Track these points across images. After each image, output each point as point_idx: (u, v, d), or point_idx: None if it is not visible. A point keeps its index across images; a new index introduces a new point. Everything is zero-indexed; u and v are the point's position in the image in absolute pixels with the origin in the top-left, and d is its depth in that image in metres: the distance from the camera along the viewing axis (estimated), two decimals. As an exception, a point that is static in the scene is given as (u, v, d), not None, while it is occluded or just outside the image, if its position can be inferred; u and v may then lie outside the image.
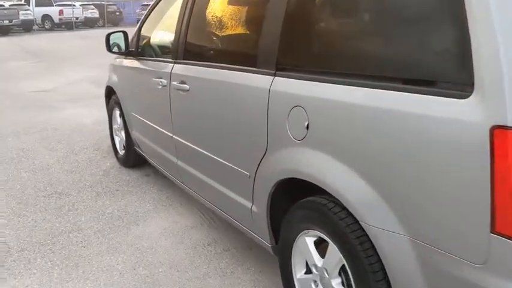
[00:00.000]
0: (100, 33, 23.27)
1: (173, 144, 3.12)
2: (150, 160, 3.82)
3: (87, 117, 6.35)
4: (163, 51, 3.51)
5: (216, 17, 2.85)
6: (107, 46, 3.78)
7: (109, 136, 4.73)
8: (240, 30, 2.66)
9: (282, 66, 2.07)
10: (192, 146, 2.83)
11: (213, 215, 3.36)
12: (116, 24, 31.03)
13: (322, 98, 1.81)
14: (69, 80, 9.51)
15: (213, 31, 2.91)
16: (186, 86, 2.78)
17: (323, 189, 1.82)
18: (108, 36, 3.77)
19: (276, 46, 2.09)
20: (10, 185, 4.00)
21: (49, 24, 27.03)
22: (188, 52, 2.94)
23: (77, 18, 27.69)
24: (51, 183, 4.04)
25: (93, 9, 29.35)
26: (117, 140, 4.53)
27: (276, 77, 2.09)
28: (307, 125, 1.87)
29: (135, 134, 3.95)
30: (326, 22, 1.96)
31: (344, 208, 1.77)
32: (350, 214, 1.74)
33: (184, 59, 2.93)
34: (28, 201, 3.66)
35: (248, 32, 2.57)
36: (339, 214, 1.81)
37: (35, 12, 26.01)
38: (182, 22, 2.97)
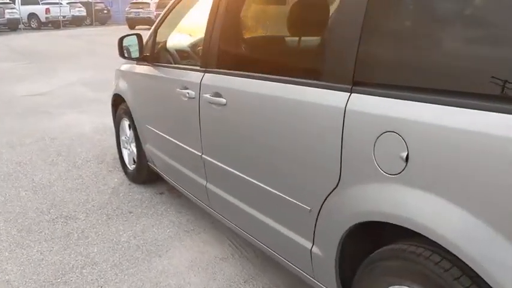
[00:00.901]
0: (88, 32, 22.88)
1: (202, 164, 2.70)
2: (166, 177, 3.40)
3: (86, 124, 5.90)
4: (187, 58, 3.10)
5: (263, 16, 2.44)
6: (120, 51, 3.34)
7: (113, 146, 4.32)
8: (297, 32, 2.26)
9: (361, 80, 1.67)
10: (229, 169, 2.42)
11: (243, 242, 2.95)
12: (103, 23, 30.45)
13: (430, 122, 1.41)
14: (63, 82, 9.02)
15: (259, 34, 2.50)
16: (222, 100, 2.37)
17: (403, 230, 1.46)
18: (121, 40, 3.34)
19: (352, 54, 1.69)
20: (9, 207, 3.56)
21: (35, 23, 26.35)
22: (223, 59, 2.52)
23: (64, 16, 27.04)
24: (54, 204, 3.60)
25: (80, 7, 28.70)
26: (125, 153, 4.10)
27: (354, 94, 1.69)
28: (406, 156, 1.47)
29: (149, 149, 3.52)
30: (431, 20, 1.53)
31: (445, 257, 1.39)
32: (455, 265, 1.36)
33: (218, 68, 2.51)
34: (31, 228, 3.22)
35: (310, 35, 2.17)
36: (441, 264, 1.41)
37: (21, 10, 25.31)
38: (214, 23, 2.55)
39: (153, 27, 3.38)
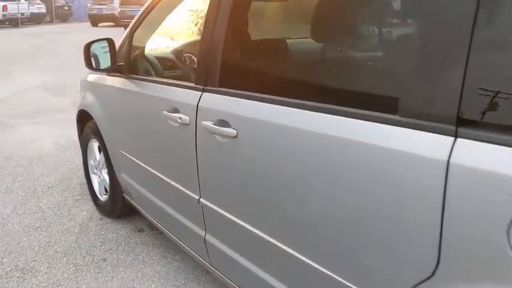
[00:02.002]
0: (48, 30, 21.63)
1: (199, 210, 2.06)
2: (150, 219, 2.74)
3: (47, 138, 5.16)
4: (176, 70, 2.47)
5: (296, 11, 1.83)
6: (86, 60, 2.64)
7: (79, 167, 3.64)
8: (356, 38, 1.63)
9: (474, 120, 1.07)
10: (240, 222, 1.80)
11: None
12: (64, 20, 29.20)
13: None
14: (19, 87, 8.17)
15: (288, 37, 1.89)
16: (232, 131, 1.74)
17: None
18: (88, 47, 2.64)
19: (456, 84, 1.09)
20: None
21: (-8, 21, 24.92)
22: (231, 74, 1.91)
23: (22, 14, 25.65)
24: (8, 250, 2.90)
25: (39, 4, 27.35)
26: (95, 180, 3.42)
27: (463, 140, 1.08)
28: None
29: (125, 179, 2.85)
30: None
31: None
32: None
33: (223, 86, 1.88)
34: (-24, 289, 2.51)
35: (379, 42, 1.55)
36: None
37: (-25, 8, 23.86)
38: (215, 22, 1.91)
39: (128, 29, 2.70)
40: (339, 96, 1.45)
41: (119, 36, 2.80)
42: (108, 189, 3.22)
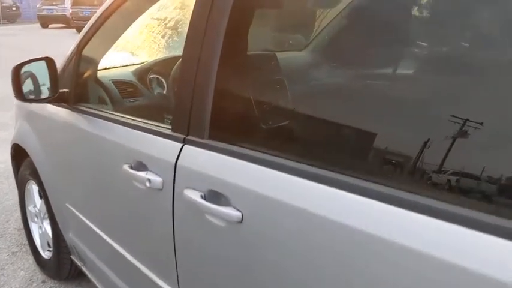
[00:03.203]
0: (-6, 32, 20.07)
1: (179, 310, 1.42)
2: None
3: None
4: (143, 101, 1.80)
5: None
6: (16, 88, 1.94)
7: (15, 205, 2.90)
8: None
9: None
10: None
11: None
12: (12, 21, 27.65)
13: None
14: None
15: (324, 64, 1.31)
16: (233, 213, 1.13)
17: None
18: (17, 69, 1.94)
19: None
20: None
21: None
22: (229, 122, 1.29)
23: (-35, 14, 24.05)
24: None
25: (-15, 4, 25.75)
26: (35, 230, 2.71)
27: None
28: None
29: (73, 240, 2.18)
30: None
31: None
32: None
33: (216, 139, 1.26)
34: None
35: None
36: None
37: None
38: (202, 49, 1.29)
39: (74, 46, 2.02)
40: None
41: (70, 39, 2.10)
42: (50, 245, 2.52)
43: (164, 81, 2.13)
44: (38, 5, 24.46)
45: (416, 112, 0.99)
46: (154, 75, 2.12)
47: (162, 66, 2.18)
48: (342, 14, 1.81)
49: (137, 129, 1.55)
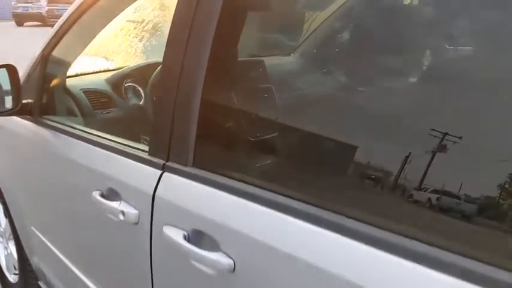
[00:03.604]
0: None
1: None
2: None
3: None
4: (117, 114, 1.60)
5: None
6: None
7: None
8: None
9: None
10: None
11: None
12: (-14, 19, 26.90)
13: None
14: None
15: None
16: (224, 260, 0.92)
17: None
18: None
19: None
20: None
21: None
22: (218, 147, 1.09)
23: None
24: None
25: (-43, 1, 25.01)
26: (0, 251, 2.46)
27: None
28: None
29: (39, 266, 1.95)
30: None
31: None
32: None
33: (202, 167, 1.06)
34: None
35: None
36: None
37: None
38: (185, 56, 1.09)
39: (39, 52, 1.79)
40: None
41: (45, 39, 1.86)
42: (17, 268, 2.28)
43: (141, 91, 1.92)
44: (12, 3, 23.83)
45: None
46: (130, 84, 1.91)
47: (139, 73, 1.97)
48: (332, 17, 1.66)
49: (109, 150, 1.34)
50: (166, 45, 1.17)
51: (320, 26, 1.75)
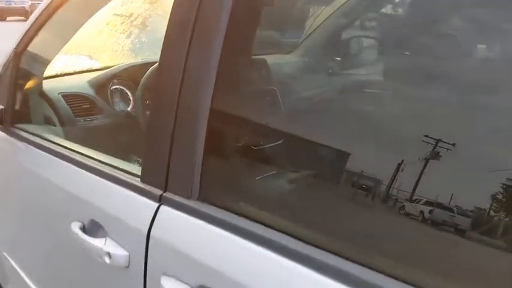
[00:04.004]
0: None
1: None
2: None
3: None
4: (102, 133, 1.38)
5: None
6: None
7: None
8: None
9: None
10: None
11: None
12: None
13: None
14: None
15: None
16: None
17: None
18: None
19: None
20: None
21: None
22: (229, 178, 0.86)
23: None
24: None
25: None
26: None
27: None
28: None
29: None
30: None
31: None
32: None
33: (211, 201, 0.83)
34: None
35: None
36: None
37: None
38: (186, 63, 0.84)
39: (12, 50, 1.53)
40: None
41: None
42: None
43: (130, 95, 1.67)
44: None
45: None
46: (117, 87, 1.65)
47: (128, 74, 1.71)
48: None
49: (92, 172, 1.09)
50: (163, 44, 0.93)
51: (324, 22, 1.59)
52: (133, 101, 1.67)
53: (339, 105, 0.94)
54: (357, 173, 0.73)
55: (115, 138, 1.52)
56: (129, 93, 1.68)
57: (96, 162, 1.10)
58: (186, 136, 0.87)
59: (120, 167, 1.05)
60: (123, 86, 1.67)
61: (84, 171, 1.11)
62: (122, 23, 1.78)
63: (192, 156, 0.86)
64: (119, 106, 1.67)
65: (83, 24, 1.64)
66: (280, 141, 0.87)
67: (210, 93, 0.84)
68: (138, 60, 1.83)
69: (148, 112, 1.50)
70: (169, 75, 0.91)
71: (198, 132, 0.85)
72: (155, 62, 1.67)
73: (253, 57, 1.03)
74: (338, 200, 0.77)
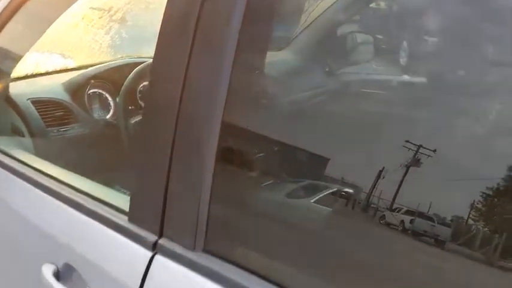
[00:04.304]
0: None
1: None
2: None
3: None
4: (78, 146, 1.18)
5: None
6: None
7: None
8: None
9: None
10: None
11: None
12: None
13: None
14: None
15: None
16: None
17: None
18: None
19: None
20: None
21: None
22: (243, 223, 0.69)
23: None
24: None
25: None
26: None
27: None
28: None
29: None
30: None
31: None
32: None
33: (222, 254, 0.66)
34: None
35: None
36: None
37: None
38: (187, 70, 0.64)
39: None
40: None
41: None
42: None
43: (110, 100, 1.46)
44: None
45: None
46: (95, 90, 1.45)
47: (108, 75, 1.51)
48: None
49: (66, 203, 0.89)
50: (157, 42, 0.73)
51: (319, 17, 1.44)
52: (114, 107, 1.47)
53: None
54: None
55: (93, 155, 1.31)
56: (109, 98, 1.48)
57: (71, 191, 0.90)
58: (188, 163, 0.68)
59: (101, 197, 0.85)
60: (103, 90, 1.46)
61: (56, 200, 0.91)
62: (100, 18, 1.58)
63: (196, 190, 0.67)
64: (98, 113, 1.47)
65: (56, 17, 1.45)
66: (309, 180, 0.68)
67: (222, 106, 0.65)
68: (120, 58, 1.63)
69: (132, 121, 1.30)
70: (165, 82, 0.72)
71: (205, 158, 0.66)
72: (140, 62, 1.47)
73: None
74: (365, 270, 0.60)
